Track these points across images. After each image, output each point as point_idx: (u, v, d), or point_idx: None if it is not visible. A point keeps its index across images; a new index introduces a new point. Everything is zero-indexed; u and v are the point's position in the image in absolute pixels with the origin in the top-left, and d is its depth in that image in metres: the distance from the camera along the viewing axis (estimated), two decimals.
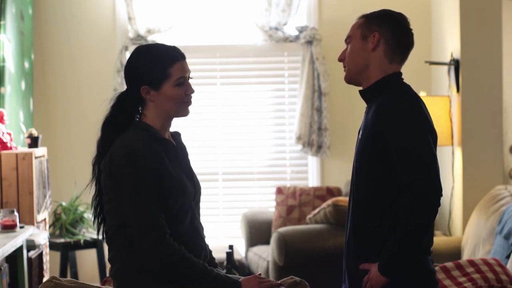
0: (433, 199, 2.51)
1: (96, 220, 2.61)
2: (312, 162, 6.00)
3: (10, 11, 5.00)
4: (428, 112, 2.67)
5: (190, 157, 2.72)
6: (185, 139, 2.75)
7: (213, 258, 2.72)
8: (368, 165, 2.65)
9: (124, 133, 2.52)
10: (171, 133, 2.66)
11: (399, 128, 2.55)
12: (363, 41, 2.67)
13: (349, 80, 2.73)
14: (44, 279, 4.47)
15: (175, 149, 2.59)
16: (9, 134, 4.63)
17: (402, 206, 2.54)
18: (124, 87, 2.65)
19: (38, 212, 4.61)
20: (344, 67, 2.73)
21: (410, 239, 2.52)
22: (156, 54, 2.57)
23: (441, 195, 2.54)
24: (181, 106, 2.58)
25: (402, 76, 2.73)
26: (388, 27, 2.66)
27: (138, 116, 2.61)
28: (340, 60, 2.74)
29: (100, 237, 2.65)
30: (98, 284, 3.47)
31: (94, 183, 2.59)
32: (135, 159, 2.44)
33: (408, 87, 2.70)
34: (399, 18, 2.70)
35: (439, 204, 2.53)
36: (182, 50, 2.66)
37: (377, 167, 2.61)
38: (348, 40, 2.72)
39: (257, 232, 5.61)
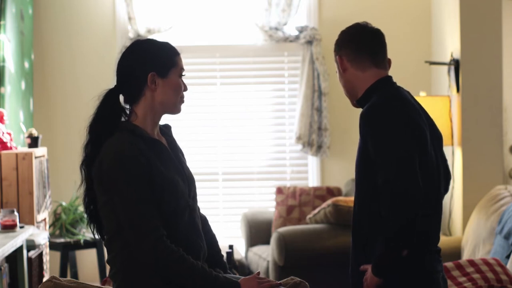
0: (408, 196, 2.49)
1: (91, 223, 2.60)
2: (312, 162, 6.00)
3: (10, 11, 5.00)
4: (418, 112, 2.65)
5: (187, 155, 2.71)
6: (180, 137, 2.73)
7: (219, 252, 2.74)
8: (362, 167, 2.67)
9: (112, 136, 2.48)
10: (160, 127, 2.64)
11: (374, 129, 2.59)
12: (338, 70, 2.79)
13: (353, 104, 2.82)
14: (44, 279, 4.47)
15: (165, 149, 2.57)
16: (9, 134, 4.63)
17: (381, 206, 2.55)
18: None
19: (38, 212, 4.61)
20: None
21: (393, 238, 2.53)
22: (160, 44, 2.59)
23: (417, 192, 2.50)
24: (179, 100, 2.58)
25: (394, 80, 2.76)
26: (343, 45, 2.76)
27: (126, 115, 2.58)
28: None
29: (97, 237, 2.64)
30: (98, 284, 3.47)
31: (83, 187, 2.56)
32: (124, 162, 2.42)
33: (396, 89, 2.71)
34: (351, 31, 2.78)
35: (417, 201, 2.51)
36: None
37: (368, 170, 2.63)
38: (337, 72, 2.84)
39: (257, 232, 5.61)
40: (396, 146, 2.54)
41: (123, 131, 2.50)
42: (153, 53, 2.55)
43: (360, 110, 2.76)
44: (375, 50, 2.74)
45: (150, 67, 2.53)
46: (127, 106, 2.59)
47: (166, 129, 2.69)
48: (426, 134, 2.63)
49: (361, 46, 2.73)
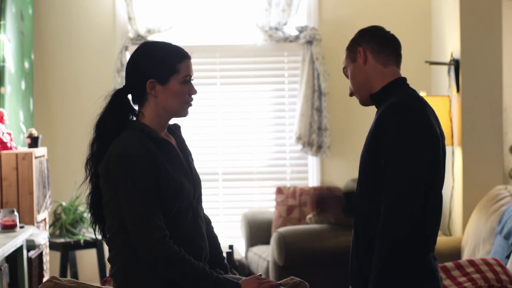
0: (407, 214, 2.53)
1: (94, 221, 2.61)
2: (312, 162, 6.00)
3: (10, 11, 5.00)
4: (433, 115, 2.67)
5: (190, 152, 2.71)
6: (185, 137, 2.74)
7: (221, 253, 2.75)
8: (366, 167, 2.66)
9: (120, 134, 2.50)
10: (169, 126, 2.65)
11: (394, 139, 2.57)
12: (354, 63, 2.77)
13: (363, 101, 2.80)
14: (44, 279, 4.47)
15: (174, 149, 2.58)
16: (9, 134, 4.64)
17: (380, 220, 2.57)
18: None
19: (38, 212, 4.61)
20: (357, 95, 2.81)
21: (388, 256, 2.55)
22: (165, 48, 2.58)
23: (417, 216, 2.54)
24: (183, 105, 2.57)
25: (407, 82, 2.76)
26: (366, 38, 2.76)
27: (134, 114, 2.59)
28: (350, 94, 2.82)
29: (99, 236, 2.65)
30: (98, 284, 3.47)
31: (88, 184, 2.57)
32: (131, 161, 2.42)
33: (414, 92, 2.72)
34: (373, 29, 2.80)
35: (415, 219, 2.54)
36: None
37: (376, 172, 2.62)
38: (345, 71, 2.82)
39: (257, 232, 5.61)
40: (411, 162, 2.55)
41: (132, 130, 2.51)
42: (155, 59, 2.54)
43: (363, 108, 2.77)
44: (397, 52, 2.77)
45: (149, 74, 2.53)
46: (136, 106, 2.60)
47: (175, 128, 2.69)
48: (439, 138, 2.64)
49: (385, 43, 2.75)
